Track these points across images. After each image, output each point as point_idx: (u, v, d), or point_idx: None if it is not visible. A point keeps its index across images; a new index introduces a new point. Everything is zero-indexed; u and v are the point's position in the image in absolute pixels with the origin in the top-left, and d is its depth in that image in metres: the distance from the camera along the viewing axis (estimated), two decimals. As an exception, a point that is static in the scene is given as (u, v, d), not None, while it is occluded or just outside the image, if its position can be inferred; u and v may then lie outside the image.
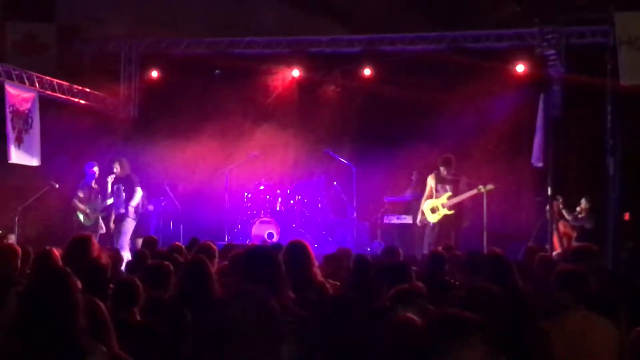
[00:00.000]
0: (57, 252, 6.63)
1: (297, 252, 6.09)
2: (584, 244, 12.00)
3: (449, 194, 12.92)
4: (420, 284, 5.31)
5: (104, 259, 5.76)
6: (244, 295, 2.48)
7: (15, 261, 6.79)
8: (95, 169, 13.39)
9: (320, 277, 6.09)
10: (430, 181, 13.14)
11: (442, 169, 13.04)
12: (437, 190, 13.05)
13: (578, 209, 13.04)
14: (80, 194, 13.28)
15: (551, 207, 12.64)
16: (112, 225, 13.23)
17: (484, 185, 12.69)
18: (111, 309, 5.23)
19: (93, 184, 13.37)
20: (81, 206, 13.24)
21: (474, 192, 12.80)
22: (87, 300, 4.45)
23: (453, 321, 3.63)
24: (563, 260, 7.66)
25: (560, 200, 12.98)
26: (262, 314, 2.38)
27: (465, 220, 13.18)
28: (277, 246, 7.24)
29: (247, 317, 2.40)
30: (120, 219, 13.24)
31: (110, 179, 13.15)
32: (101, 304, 4.38)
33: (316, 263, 6.13)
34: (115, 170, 13.25)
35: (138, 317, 5.42)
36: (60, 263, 6.12)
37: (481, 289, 4.96)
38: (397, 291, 5.08)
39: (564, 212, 12.98)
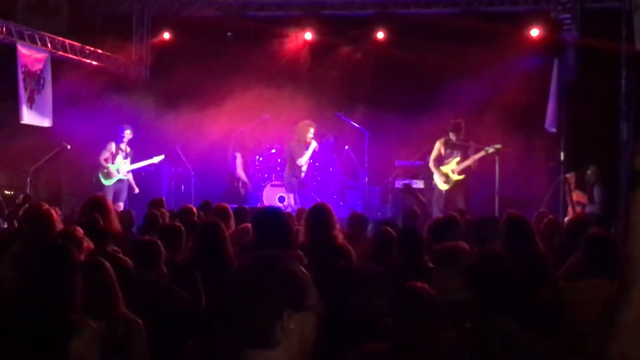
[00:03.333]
0: (56, 212, 6.44)
1: (320, 214, 6.01)
2: (594, 211, 12.03)
3: (458, 159, 12.90)
4: (463, 243, 5.26)
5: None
6: (258, 259, 2.45)
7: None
8: (128, 131, 13.51)
9: (342, 240, 5.98)
10: (439, 145, 13.09)
11: (451, 134, 12.99)
12: (445, 156, 13.01)
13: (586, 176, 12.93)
14: (106, 154, 13.39)
15: (565, 178, 12.62)
16: None
17: (491, 146, 12.69)
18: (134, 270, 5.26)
19: (123, 146, 13.49)
20: (104, 164, 13.34)
21: (481, 154, 12.77)
22: (92, 261, 4.45)
23: None
24: (572, 227, 7.57)
25: (574, 175, 12.88)
26: (271, 277, 2.35)
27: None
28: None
29: (253, 280, 2.37)
30: None
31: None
32: (107, 265, 4.35)
33: (338, 226, 6.03)
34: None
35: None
36: (60, 225, 5.98)
37: (491, 255, 4.94)
38: (438, 251, 5.07)
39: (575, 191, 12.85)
